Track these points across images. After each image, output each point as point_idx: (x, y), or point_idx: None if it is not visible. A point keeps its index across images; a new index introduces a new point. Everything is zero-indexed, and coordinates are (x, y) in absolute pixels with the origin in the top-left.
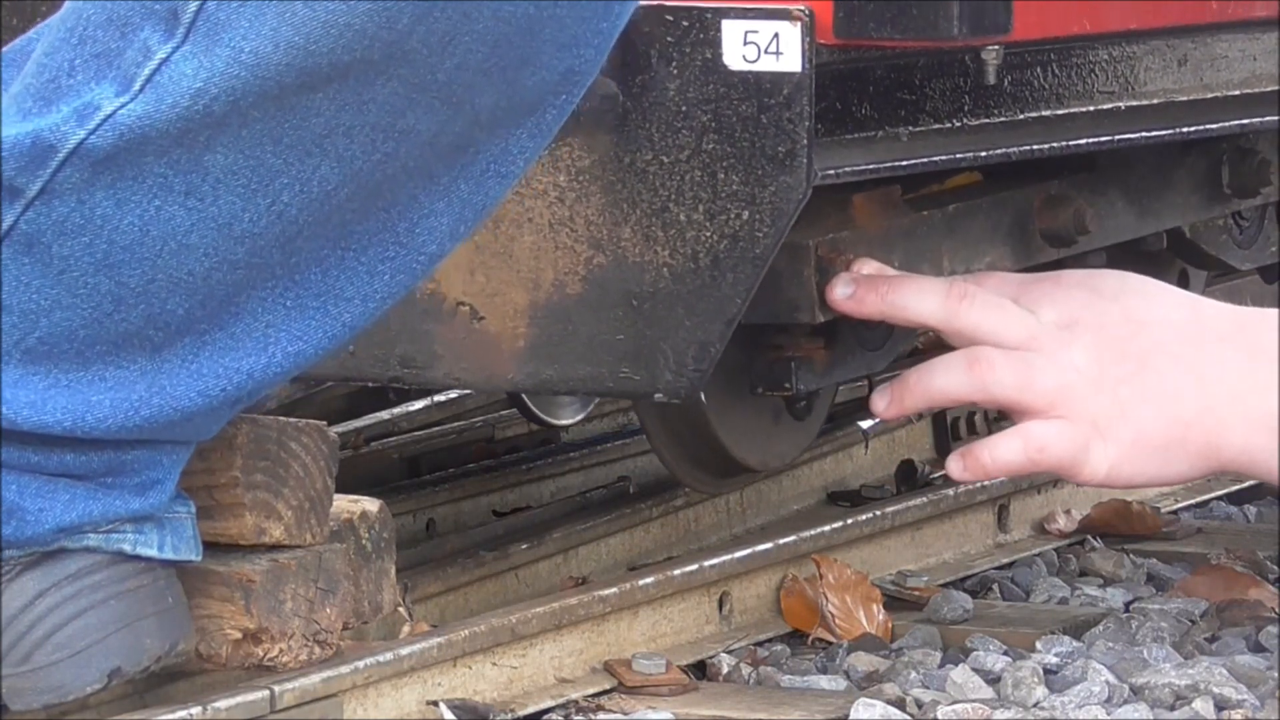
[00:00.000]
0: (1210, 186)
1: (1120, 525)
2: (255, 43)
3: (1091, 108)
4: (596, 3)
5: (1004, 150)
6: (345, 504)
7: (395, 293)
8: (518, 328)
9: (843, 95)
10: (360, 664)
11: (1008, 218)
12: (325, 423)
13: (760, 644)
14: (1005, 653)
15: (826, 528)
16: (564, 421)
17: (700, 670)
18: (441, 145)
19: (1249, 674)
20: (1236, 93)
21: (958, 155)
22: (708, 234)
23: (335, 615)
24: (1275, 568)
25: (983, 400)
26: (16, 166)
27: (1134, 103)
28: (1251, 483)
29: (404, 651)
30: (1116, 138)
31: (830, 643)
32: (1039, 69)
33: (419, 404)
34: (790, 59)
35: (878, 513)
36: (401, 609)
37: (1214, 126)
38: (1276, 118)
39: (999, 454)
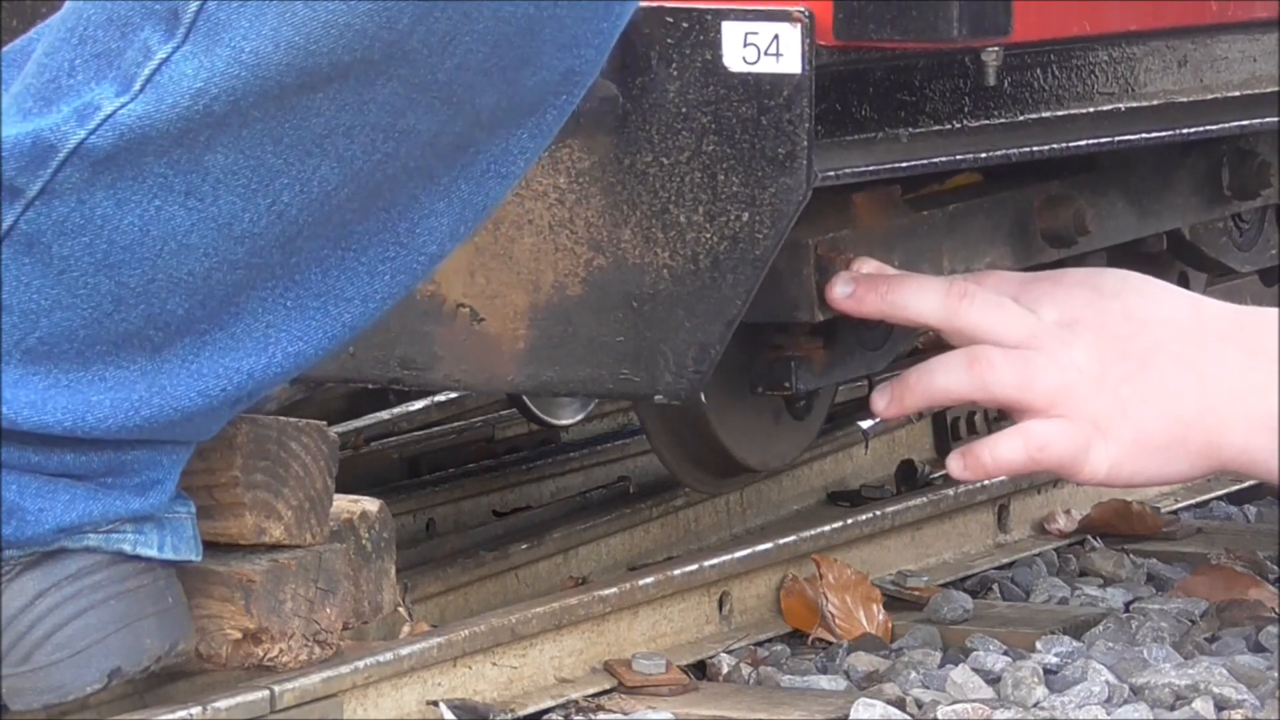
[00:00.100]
0: (1210, 188)
1: (1120, 525)
2: (255, 43)
3: (1091, 109)
4: (597, 3)
5: (1004, 152)
6: (345, 504)
7: (396, 293)
8: (518, 329)
9: (843, 97)
10: (360, 664)
11: (1008, 218)
12: (325, 423)
13: (760, 644)
14: (1005, 653)
15: (826, 528)
16: (564, 422)
17: (700, 670)
18: (442, 145)
19: (1249, 674)
20: (1236, 94)
21: (958, 157)
22: (708, 235)
23: (335, 615)
24: (1275, 568)
25: (983, 399)
26: (17, 166)
27: (1134, 104)
28: (1251, 483)
29: (404, 651)
30: (1116, 139)
31: (830, 643)
32: (1039, 70)
33: (419, 404)
34: (790, 60)
35: (878, 513)
36: (401, 609)
37: (1214, 128)
38: (1276, 119)
39: (999, 453)
